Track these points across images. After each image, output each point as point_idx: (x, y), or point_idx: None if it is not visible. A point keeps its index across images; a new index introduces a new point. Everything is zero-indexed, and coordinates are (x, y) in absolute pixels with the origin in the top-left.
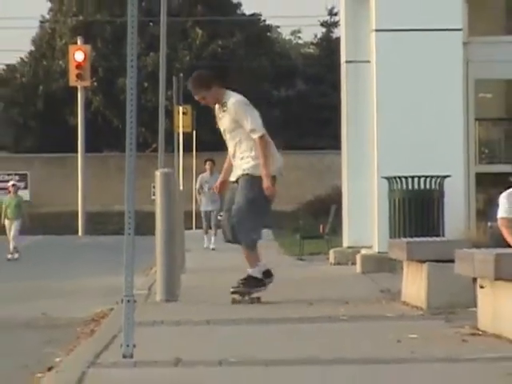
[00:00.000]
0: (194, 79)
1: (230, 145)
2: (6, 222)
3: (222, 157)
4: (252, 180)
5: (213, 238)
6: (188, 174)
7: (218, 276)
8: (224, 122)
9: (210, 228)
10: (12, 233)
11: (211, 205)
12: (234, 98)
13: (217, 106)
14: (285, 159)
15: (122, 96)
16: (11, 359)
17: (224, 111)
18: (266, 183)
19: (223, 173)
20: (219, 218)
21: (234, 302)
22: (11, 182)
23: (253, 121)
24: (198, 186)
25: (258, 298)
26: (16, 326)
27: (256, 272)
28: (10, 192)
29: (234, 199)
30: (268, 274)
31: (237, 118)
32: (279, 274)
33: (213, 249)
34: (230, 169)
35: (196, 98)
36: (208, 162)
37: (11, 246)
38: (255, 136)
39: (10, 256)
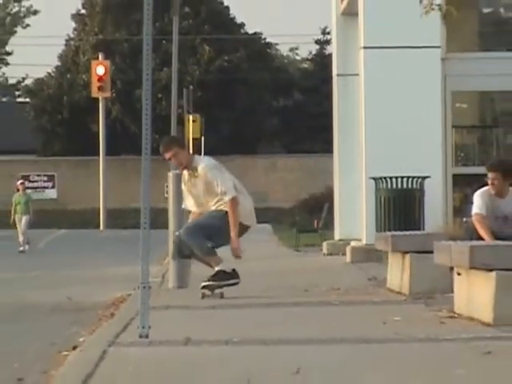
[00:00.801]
0: (167, 138)
1: (205, 205)
2: (17, 218)
3: (227, 160)
4: (220, 213)
5: None
6: None
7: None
8: (197, 186)
9: None
10: (22, 227)
11: None
12: (203, 163)
13: (186, 171)
14: (283, 162)
15: (138, 105)
16: (41, 338)
17: (196, 177)
18: (234, 243)
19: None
20: (176, 233)
21: (203, 296)
22: (20, 181)
23: (223, 184)
24: None
25: (222, 294)
26: (45, 309)
27: (223, 266)
28: (18, 190)
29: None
30: (236, 273)
31: (208, 181)
32: (278, 263)
33: None
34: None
35: (167, 155)
36: None
37: (21, 239)
38: (226, 198)
39: (21, 248)
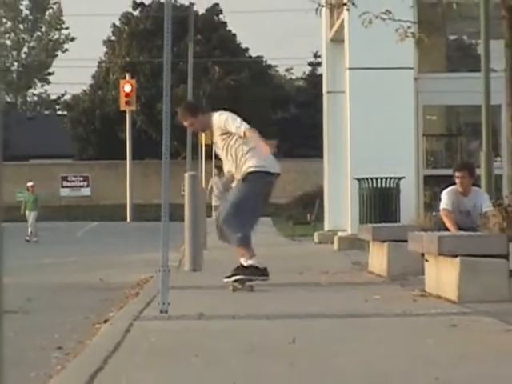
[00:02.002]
0: (181, 109)
1: (229, 160)
2: (27, 213)
3: None
4: (250, 176)
5: None
6: (208, 175)
7: (232, 252)
8: (217, 139)
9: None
10: (30, 221)
11: (218, 201)
12: (214, 116)
13: (208, 132)
14: (281, 165)
15: (159, 117)
16: (77, 313)
17: (213, 129)
18: (266, 144)
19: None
20: (214, 217)
21: (234, 289)
22: (30, 183)
23: (235, 121)
24: (209, 186)
25: (252, 287)
26: (81, 288)
27: (256, 261)
28: (28, 190)
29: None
30: (266, 271)
31: (222, 125)
32: (277, 250)
33: None
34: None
35: (185, 124)
36: (217, 168)
37: (29, 231)
38: (242, 129)
39: (27, 238)
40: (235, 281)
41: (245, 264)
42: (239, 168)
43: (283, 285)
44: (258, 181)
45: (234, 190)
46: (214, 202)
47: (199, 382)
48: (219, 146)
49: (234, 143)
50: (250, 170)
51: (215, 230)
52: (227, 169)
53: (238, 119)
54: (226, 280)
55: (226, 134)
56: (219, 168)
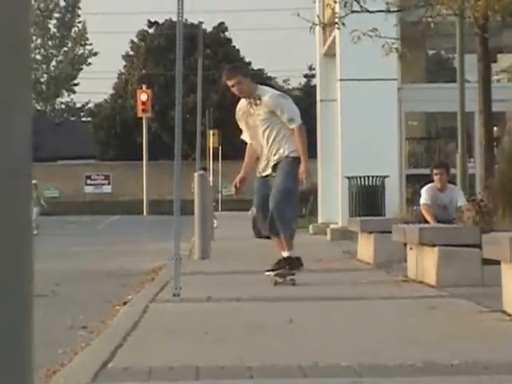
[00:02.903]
0: (231, 66)
1: (262, 138)
2: None
3: (239, 164)
4: (293, 161)
5: (215, 221)
6: (216, 174)
7: (236, 242)
8: (258, 115)
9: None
10: (33, 215)
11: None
12: (270, 93)
13: (246, 101)
14: None
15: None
16: (99, 297)
17: (257, 105)
18: (303, 166)
19: (243, 170)
20: (250, 213)
21: (276, 283)
22: (34, 181)
23: (290, 111)
24: (192, 188)
25: (294, 281)
26: (103, 274)
27: (295, 253)
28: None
29: (267, 193)
30: (300, 260)
31: (274, 109)
32: (268, 244)
33: (216, 227)
34: (251, 165)
35: (230, 83)
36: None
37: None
38: (293, 125)
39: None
40: (276, 275)
41: (286, 256)
42: (274, 148)
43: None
44: (296, 168)
45: (279, 175)
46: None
47: (209, 357)
48: (255, 122)
49: (275, 126)
50: (295, 154)
51: (258, 223)
52: (257, 149)
53: (295, 110)
54: (267, 274)
55: (273, 114)
56: (204, 169)
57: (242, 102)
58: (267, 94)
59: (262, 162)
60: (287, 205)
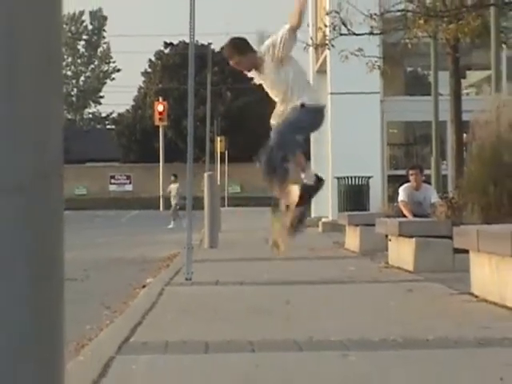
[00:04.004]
0: (227, 46)
1: (279, 93)
2: None
3: (243, 166)
4: (302, 108)
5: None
6: (222, 175)
7: (240, 233)
8: (268, 70)
9: None
10: None
11: (174, 200)
12: (261, 47)
13: (254, 72)
14: None
15: (185, 131)
16: (122, 281)
17: (262, 63)
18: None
19: None
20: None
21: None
22: None
23: (278, 32)
24: (168, 190)
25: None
26: (125, 261)
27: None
28: None
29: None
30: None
31: (270, 47)
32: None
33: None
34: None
35: (231, 63)
36: (173, 176)
37: None
38: (287, 26)
39: None
40: (298, 223)
41: (303, 183)
42: (290, 99)
43: (280, 258)
44: (316, 114)
45: (290, 113)
46: (172, 201)
47: (217, 333)
48: (269, 76)
49: (288, 75)
50: (298, 103)
51: (262, 165)
52: (279, 97)
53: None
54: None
55: (278, 60)
56: (175, 175)
57: (253, 74)
58: (261, 48)
59: (278, 110)
60: (293, 132)
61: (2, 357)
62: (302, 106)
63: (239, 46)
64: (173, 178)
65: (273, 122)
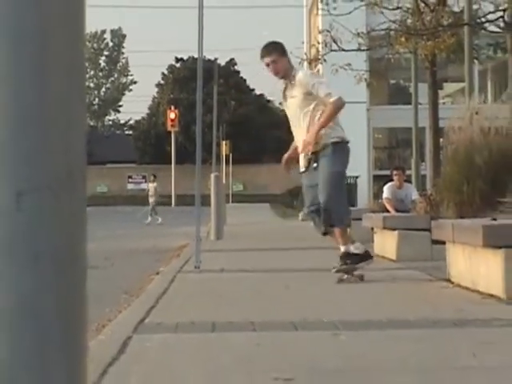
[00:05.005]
0: (269, 43)
1: (303, 124)
2: None
3: (246, 167)
4: (335, 148)
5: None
6: (227, 175)
7: (243, 226)
8: (295, 97)
9: None
10: None
11: (151, 198)
12: (302, 71)
13: (284, 82)
14: (277, 168)
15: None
16: (137, 268)
17: (292, 85)
18: (310, 135)
19: (290, 149)
20: (300, 217)
21: (340, 281)
22: None
23: (326, 87)
24: (146, 189)
25: (362, 276)
26: (140, 251)
27: (353, 248)
28: None
29: (314, 184)
30: (368, 254)
31: (309, 87)
32: (274, 225)
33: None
34: (296, 156)
35: (266, 60)
36: (153, 176)
37: None
38: (332, 99)
39: None
40: (338, 271)
41: (343, 251)
42: (302, 129)
43: (278, 249)
44: (345, 152)
45: (322, 164)
46: (150, 199)
47: (222, 314)
48: (296, 105)
49: (315, 111)
50: (335, 140)
51: (315, 225)
52: (297, 137)
53: (328, 84)
54: (334, 271)
55: (310, 95)
56: (154, 176)
57: (281, 84)
58: (299, 73)
59: (303, 158)
60: (338, 192)
61: (31, 338)
62: (327, 144)
63: (282, 46)
64: (152, 177)
65: (301, 167)
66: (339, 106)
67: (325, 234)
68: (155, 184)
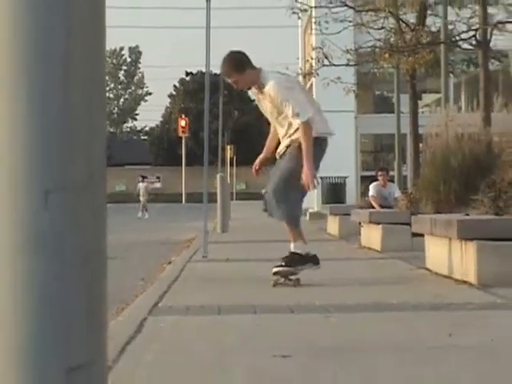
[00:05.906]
0: (225, 63)
1: (279, 128)
2: None
3: (249, 169)
4: (300, 147)
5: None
6: (231, 176)
7: (246, 221)
8: (266, 105)
9: None
10: None
11: (142, 197)
12: (272, 81)
13: (253, 89)
14: None
15: (202, 141)
16: (152, 258)
17: (263, 93)
18: (306, 171)
19: (264, 150)
20: (263, 191)
21: (275, 284)
22: None
23: (295, 105)
24: (137, 189)
25: (298, 280)
26: (154, 243)
27: (298, 247)
28: None
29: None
30: (315, 259)
31: (276, 102)
32: (269, 222)
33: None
34: (272, 146)
35: (229, 81)
36: (141, 176)
37: None
38: (298, 121)
39: None
40: (275, 273)
41: (291, 251)
42: (289, 131)
43: (274, 241)
44: (321, 148)
45: (284, 158)
46: (141, 197)
47: (227, 298)
48: (266, 110)
49: (282, 117)
50: (294, 138)
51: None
52: (275, 130)
53: (301, 102)
54: (273, 271)
55: (278, 108)
56: (142, 176)
57: (254, 91)
58: (269, 83)
59: (281, 144)
60: (286, 187)
61: (58, 321)
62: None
63: (237, 62)
64: (140, 178)
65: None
66: (307, 131)
67: (270, 215)
68: (145, 184)
